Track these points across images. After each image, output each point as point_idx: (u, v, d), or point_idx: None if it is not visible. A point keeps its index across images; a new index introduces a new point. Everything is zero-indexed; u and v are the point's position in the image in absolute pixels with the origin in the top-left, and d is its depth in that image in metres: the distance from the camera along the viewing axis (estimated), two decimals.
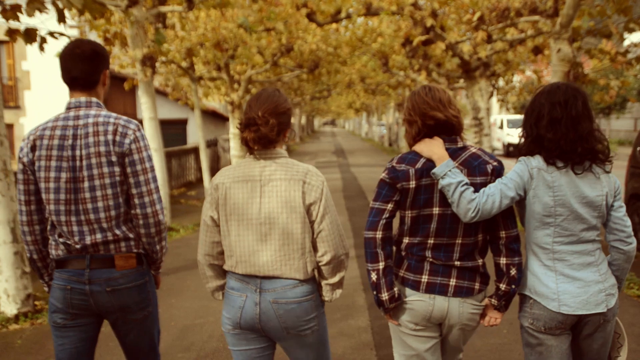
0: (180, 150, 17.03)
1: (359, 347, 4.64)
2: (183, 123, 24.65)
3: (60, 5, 5.54)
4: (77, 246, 2.59)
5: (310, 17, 12.78)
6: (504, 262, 2.56)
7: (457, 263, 2.52)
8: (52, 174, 2.56)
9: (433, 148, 2.50)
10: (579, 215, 2.47)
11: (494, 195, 2.43)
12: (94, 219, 2.57)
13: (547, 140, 2.46)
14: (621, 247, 2.56)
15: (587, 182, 2.48)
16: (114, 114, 2.65)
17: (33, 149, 2.59)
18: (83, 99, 2.63)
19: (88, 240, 2.59)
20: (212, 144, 19.37)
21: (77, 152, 2.55)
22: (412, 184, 2.49)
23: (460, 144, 2.57)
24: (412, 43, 12.38)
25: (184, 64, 13.71)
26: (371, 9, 12.07)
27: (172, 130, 23.45)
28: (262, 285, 2.51)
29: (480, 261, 2.57)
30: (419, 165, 2.51)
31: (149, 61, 9.05)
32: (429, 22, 10.77)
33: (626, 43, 10.74)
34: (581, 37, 9.58)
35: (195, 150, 18.09)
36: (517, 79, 22.27)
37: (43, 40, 5.68)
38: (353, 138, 57.12)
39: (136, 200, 2.61)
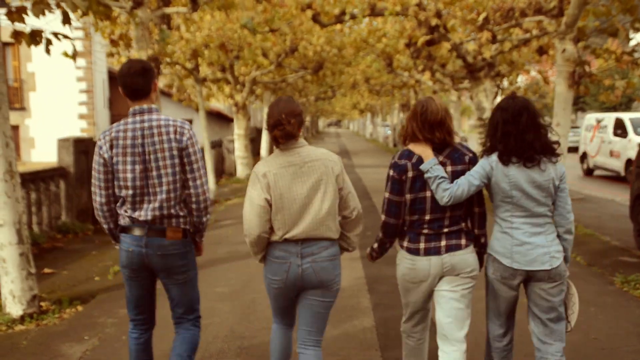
0: None
1: (364, 347, 4.64)
2: None
3: (65, 6, 5.56)
4: (141, 218, 3.33)
5: (315, 18, 12.78)
6: (476, 232, 3.41)
7: (446, 230, 3.30)
8: (129, 167, 3.30)
9: (423, 148, 3.30)
10: (531, 196, 3.22)
11: (463, 185, 3.20)
12: (158, 199, 3.32)
13: (500, 151, 3.24)
14: (562, 220, 3.31)
15: (537, 170, 3.21)
16: (170, 117, 3.41)
17: (111, 147, 3.32)
18: (145, 106, 3.36)
19: (150, 215, 3.33)
20: (216, 145, 19.37)
21: (146, 149, 3.30)
22: (410, 174, 3.28)
23: (443, 144, 3.33)
24: (416, 44, 12.36)
25: (188, 65, 13.73)
26: (375, 10, 12.06)
27: None
28: (302, 251, 3.23)
29: (463, 224, 3.36)
30: (414, 160, 3.30)
31: (153, 62, 9.04)
32: (434, 22, 10.75)
33: (632, 43, 10.68)
34: (587, 37, 9.55)
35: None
36: (521, 79, 22.19)
37: (49, 42, 5.69)
38: (357, 139, 57.06)
39: (190, 183, 3.37)
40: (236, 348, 4.66)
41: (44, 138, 21.46)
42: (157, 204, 3.32)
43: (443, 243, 3.27)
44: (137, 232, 3.36)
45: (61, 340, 4.92)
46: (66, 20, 5.80)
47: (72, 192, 9.76)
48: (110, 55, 11.75)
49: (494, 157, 3.25)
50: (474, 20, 10.43)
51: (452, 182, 3.24)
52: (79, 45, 20.43)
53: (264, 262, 3.38)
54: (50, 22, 6.07)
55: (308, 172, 3.22)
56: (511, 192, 3.21)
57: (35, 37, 5.62)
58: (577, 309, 3.46)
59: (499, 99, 16.05)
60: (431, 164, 3.21)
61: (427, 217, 3.28)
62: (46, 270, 7.16)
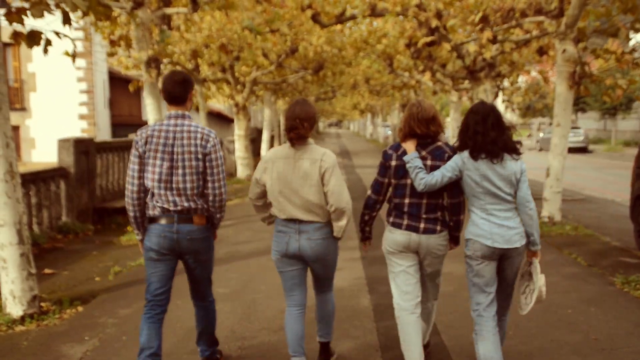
0: None
1: (364, 348, 4.64)
2: None
3: (65, 7, 5.55)
4: (171, 208, 3.84)
5: (315, 18, 12.77)
6: (449, 217, 4.03)
7: (424, 215, 3.95)
8: (158, 162, 3.81)
9: (408, 144, 3.98)
10: (498, 186, 3.82)
11: (437, 176, 3.84)
12: (183, 193, 3.84)
13: (470, 147, 3.84)
14: (523, 207, 3.87)
15: (501, 165, 3.82)
16: (200, 125, 3.93)
17: (145, 143, 3.83)
18: (180, 112, 3.91)
19: (179, 206, 3.86)
20: None
21: (175, 149, 3.82)
22: (393, 162, 3.98)
23: (429, 141, 3.98)
24: (416, 44, 12.36)
25: (189, 66, 13.73)
26: (376, 10, 12.06)
27: None
28: (300, 228, 3.90)
29: (439, 214, 3.97)
30: (399, 152, 3.99)
31: (154, 63, 9.05)
32: (434, 23, 10.74)
33: (632, 43, 10.67)
34: (587, 37, 9.54)
35: None
36: (522, 79, 22.12)
37: (48, 42, 5.69)
38: (358, 139, 57.05)
39: (209, 184, 3.90)
40: (237, 349, 4.67)
41: (45, 138, 21.45)
42: (183, 197, 3.85)
43: (422, 225, 3.94)
44: (168, 220, 3.87)
45: (62, 340, 4.92)
46: (66, 20, 5.80)
47: (72, 192, 9.77)
48: (111, 55, 11.74)
49: (466, 153, 3.86)
50: (474, 21, 10.42)
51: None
52: (80, 46, 20.42)
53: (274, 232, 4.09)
54: (50, 22, 6.07)
55: (299, 167, 3.88)
56: (482, 183, 3.82)
57: (34, 37, 5.62)
58: (539, 291, 4.02)
59: (499, 99, 16.06)
60: (412, 157, 3.90)
61: (407, 201, 3.96)
62: (47, 270, 7.17)
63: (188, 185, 3.84)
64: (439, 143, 3.99)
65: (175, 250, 3.92)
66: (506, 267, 3.93)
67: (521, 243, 3.86)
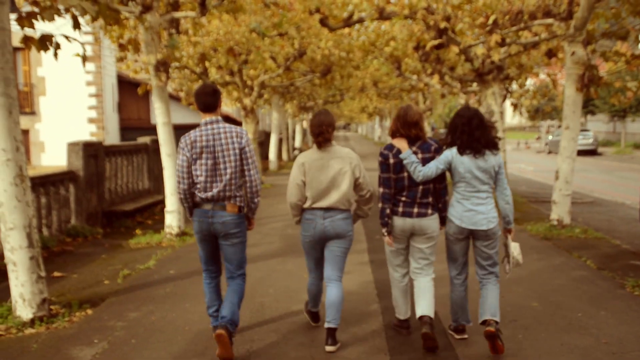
0: None
1: (372, 351, 4.62)
2: None
3: (75, 11, 5.59)
4: (209, 197, 4.57)
5: (323, 22, 12.78)
6: (438, 200, 4.77)
7: (418, 200, 4.70)
8: (204, 161, 4.56)
9: (401, 143, 4.71)
10: (478, 177, 4.60)
11: (432, 168, 4.61)
12: (222, 183, 4.57)
13: (458, 145, 4.62)
14: (500, 195, 4.69)
15: (482, 159, 4.60)
16: (233, 126, 4.68)
17: (191, 147, 4.57)
18: (214, 118, 4.64)
19: (216, 194, 4.56)
20: None
21: (217, 148, 4.56)
22: (391, 160, 4.70)
23: (417, 138, 4.72)
24: (424, 47, 12.33)
25: (197, 69, 13.75)
26: (384, 13, 12.05)
27: None
28: (324, 215, 4.70)
29: (430, 199, 4.73)
30: (394, 151, 4.71)
31: (162, 66, 9.08)
32: (442, 25, 10.72)
33: None
34: (596, 40, 9.49)
35: None
36: (530, 82, 22.02)
37: (57, 47, 5.72)
38: (366, 142, 56.98)
39: (246, 173, 4.65)
40: (245, 351, 4.66)
41: (54, 142, 21.57)
42: (221, 186, 4.55)
43: (415, 210, 4.69)
44: (206, 207, 4.61)
45: (71, 343, 4.93)
46: (76, 25, 5.84)
47: (81, 195, 9.81)
48: (120, 59, 11.78)
49: (454, 149, 4.62)
50: (483, 24, 10.39)
51: (422, 165, 4.62)
52: (89, 50, 20.52)
53: (300, 224, 4.86)
54: (60, 27, 6.11)
55: (333, 165, 4.69)
56: (465, 175, 4.59)
57: (44, 42, 5.65)
58: (514, 259, 4.77)
59: (508, 102, 15.99)
60: (408, 154, 4.63)
61: (405, 190, 4.69)
62: (56, 273, 7.19)
63: (227, 176, 4.56)
64: (425, 138, 4.76)
65: (211, 232, 4.65)
66: (478, 244, 4.70)
67: (488, 226, 4.61)
